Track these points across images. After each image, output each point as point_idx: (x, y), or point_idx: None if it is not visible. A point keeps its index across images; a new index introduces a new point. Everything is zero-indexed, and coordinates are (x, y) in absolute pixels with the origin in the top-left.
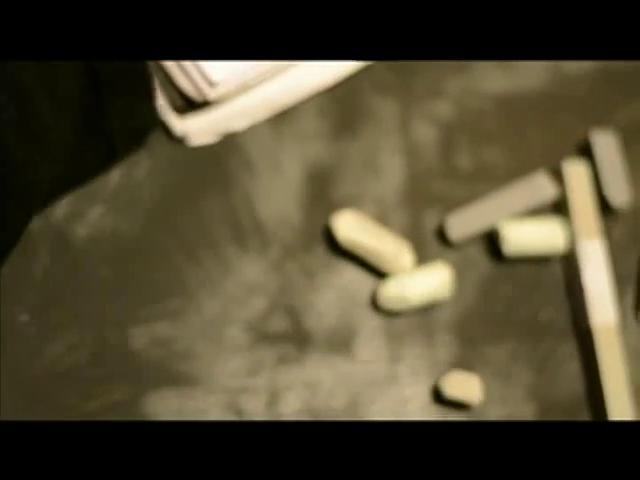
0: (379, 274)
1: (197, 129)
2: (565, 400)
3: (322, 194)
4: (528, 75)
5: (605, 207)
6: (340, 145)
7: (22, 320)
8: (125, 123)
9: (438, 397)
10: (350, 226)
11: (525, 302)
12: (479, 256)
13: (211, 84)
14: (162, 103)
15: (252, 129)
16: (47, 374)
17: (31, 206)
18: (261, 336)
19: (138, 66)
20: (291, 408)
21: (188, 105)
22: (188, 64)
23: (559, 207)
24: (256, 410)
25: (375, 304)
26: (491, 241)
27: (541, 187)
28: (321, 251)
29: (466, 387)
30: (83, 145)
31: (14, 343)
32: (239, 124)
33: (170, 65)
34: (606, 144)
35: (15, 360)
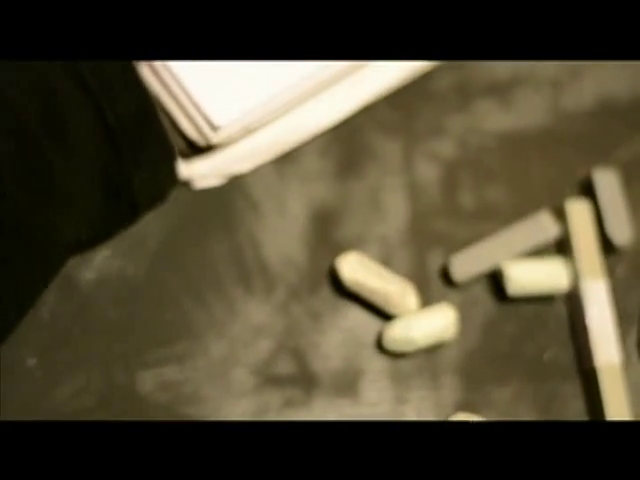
0: (384, 315)
1: (202, 173)
2: None
3: (326, 235)
4: (529, 112)
5: (608, 245)
6: (343, 185)
7: (29, 363)
8: (147, 184)
9: None
10: (354, 268)
11: (529, 342)
12: (483, 296)
13: (214, 128)
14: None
15: (256, 170)
16: (54, 417)
17: (49, 268)
18: (267, 379)
19: (157, 126)
20: None
21: (192, 149)
22: (191, 108)
23: (562, 246)
24: None
25: (381, 346)
26: (495, 281)
27: (544, 226)
28: (326, 292)
29: None
30: (107, 208)
31: (21, 386)
32: (243, 166)
33: (173, 109)
34: (608, 182)
35: (22, 403)
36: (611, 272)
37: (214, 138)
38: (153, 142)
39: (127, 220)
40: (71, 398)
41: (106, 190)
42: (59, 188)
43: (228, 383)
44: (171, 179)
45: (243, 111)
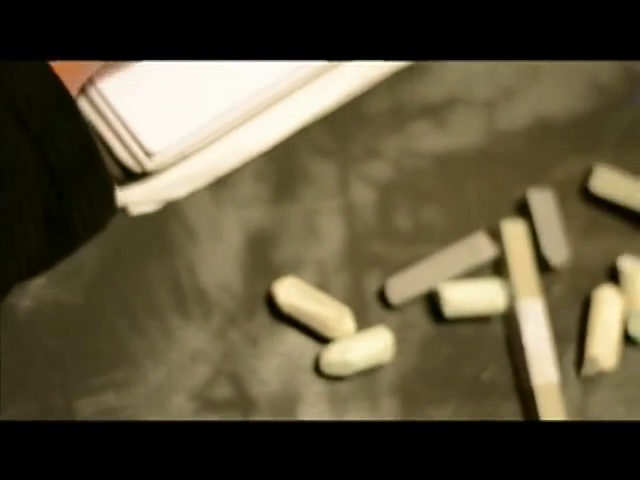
0: (322, 339)
1: (137, 199)
2: None
3: (263, 259)
4: (464, 133)
5: (544, 265)
6: (279, 209)
7: None
8: (87, 217)
9: None
10: (291, 292)
11: (467, 362)
12: (420, 318)
13: (148, 154)
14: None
15: (192, 196)
16: None
17: None
18: (205, 404)
19: (97, 159)
20: None
21: (127, 175)
22: (125, 135)
23: (499, 266)
24: None
25: (318, 369)
26: (432, 302)
27: (480, 247)
28: (263, 317)
29: None
30: (47, 241)
31: None
32: (178, 192)
33: (108, 136)
34: (543, 201)
35: None
36: (547, 291)
37: (148, 164)
38: (93, 176)
39: (66, 252)
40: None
41: (46, 225)
42: (1, 225)
43: (166, 409)
44: (110, 209)
45: (177, 137)
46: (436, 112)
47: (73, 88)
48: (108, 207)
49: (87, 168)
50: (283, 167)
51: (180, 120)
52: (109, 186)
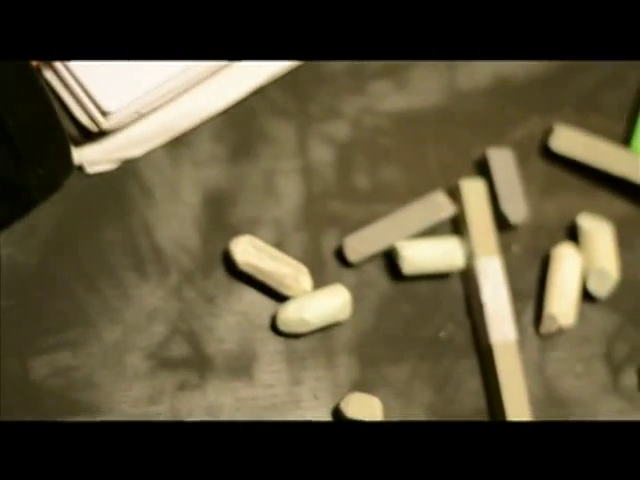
0: (279, 297)
1: (93, 158)
2: (466, 418)
3: (220, 219)
4: (424, 92)
5: (503, 223)
6: (237, 169)
7: None
8: (44, 180)
9: (339, 419)
10: (247, 250)
11: (425, 320)
12: (378, 276)
13: (104, 114)
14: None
15: (149, 155)
16: None
17: None
18: (162, 363)
19: (55, 125)
20: None
21: (83, 134)
22: (81, 94)
23: (457, 225)
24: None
25: (275, 327)
26: (390, 260)
27: (439, 206)
28: (220, 276)
29: (367, 408)
30: (2, 205)
31: None
32: (136, 151)
33: (64, 95)
34: (502, 161)
35: None
36: (507, 250)
37: (104, 123)
38: (51, 141)
39: (21, 213)
40: None
41: (1, 188)
42: None
43: (122, 368)
44: (67, 170)
45: (133, 96)
46: (396, 72)
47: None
48: (65, 168)
49: (45, 134)
50: (242, 127)
51: (136, 80)
52: (66, 148)
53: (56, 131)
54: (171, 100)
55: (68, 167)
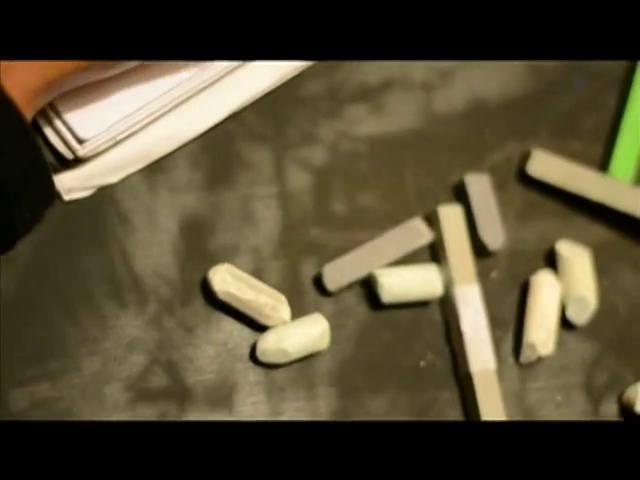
0: (258, 327)
1: (70, 185)
2: None
3: (198, 246)
4: (401, 116)
5: (481, 250)
6: (214, 195)
7: None
8: (29, 220)
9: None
10: (226, 279)
11: (405, 349)
12: (357, 304)
13: (80, 141)
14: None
15: (126, 181)
16: None
17: None
18: (141, 394)
19: (43, 170)
20: None
21: (60, 162)
22: (57, 122)
23: (435, 251)
24: None
25: (255, 358)
26: (369, 288)
27: (416, 232)
28: (199, 305)
29: None
30: None
31: None
32: (112, 178)
33: (40, 123)
34: (480, 186)
35: None
36: (485, 276)
37: (81, 151)
38: (39, 186)
39: (6, 249)
40: None
41: None
42: None
43: (102, 399)
44: (50, 203)
45: (109, 123)
46: (372, 95)
47: (28, 110)
48: (48, 201)
49: (34, 181)
50: (218, 153)
51: (111, 107)
52: (50, 183)
53: (45, 177)
54: (147, 126)
55: (51, 200)
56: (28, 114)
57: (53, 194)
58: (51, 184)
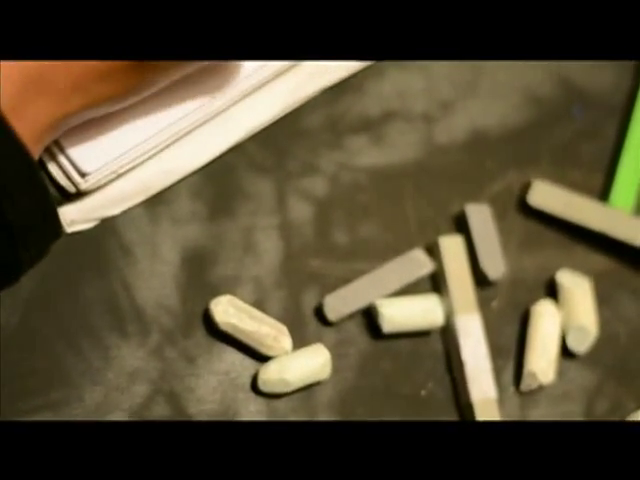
0: (260, 357)
1: (72, 218)
2: None
3: (200, 277)
4: (401, 147)
5: (482, 280)
6: (216, 226)
7: None
8: (35, 258)
9: None
10: (228, 310)
11: (406, 378)
12: (358, 334)
13: (82, 175)
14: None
15: (128, 213)
16: None
17: None
18: None
19: (51, 211)
20: None
21: (62, 195)
22: (59, 155)
23: (436, 282)
24: None
25: (256, 388)
26: (370, 318)
27: (418, 263)
28: (201, 335)
29: None
30: None
31: None
32: (114, 210)
33: (43, 156)
34: (481, 217)
35: None
36: (486, 306)
37: (83, 184)
38: (45, 224)
39: (11, 283)
40: None
41: None
42: None
43: None
44: (55, 239)
45: (111, 156)
46: (373, 127)
47: (35, 149)
48: (53, 237)
49: (41, 219)
50: (220, 184)
51: (113, 140)
52: (56, 220)
53: (50, 212)
54: (148, 159)
55: (57, 236)
56: (35, 153)
57: (59, 231)
58: (57, 221)
